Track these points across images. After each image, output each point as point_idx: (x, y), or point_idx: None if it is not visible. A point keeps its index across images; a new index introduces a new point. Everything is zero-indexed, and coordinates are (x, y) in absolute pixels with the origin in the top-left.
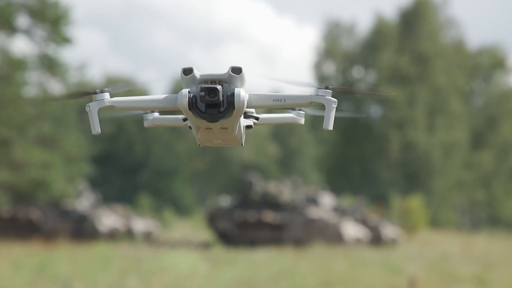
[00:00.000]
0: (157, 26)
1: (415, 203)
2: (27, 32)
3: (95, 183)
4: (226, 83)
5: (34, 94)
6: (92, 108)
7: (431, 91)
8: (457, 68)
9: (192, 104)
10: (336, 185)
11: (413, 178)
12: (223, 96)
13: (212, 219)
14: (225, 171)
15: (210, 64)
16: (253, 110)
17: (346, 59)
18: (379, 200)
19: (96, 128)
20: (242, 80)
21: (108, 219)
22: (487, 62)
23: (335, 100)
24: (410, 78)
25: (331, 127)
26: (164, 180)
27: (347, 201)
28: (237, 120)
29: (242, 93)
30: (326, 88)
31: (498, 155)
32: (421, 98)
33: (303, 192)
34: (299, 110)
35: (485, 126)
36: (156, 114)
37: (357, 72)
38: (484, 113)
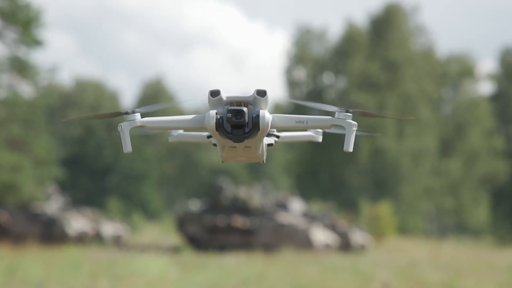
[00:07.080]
0: (127, 30)
1: (384, 209)
2: None
3: (64, 186)
4: (251, 104)
5: (3, 97)
6: (124, 128)
7: (400, 98)
8: (426, 76)
9: (219, 125)
10: (306, 190)
11: (382, 184)
12: (248, 117)
13: (182, 223)
14: (194, 176)
15: (181, 68)
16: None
17: (317, 65)
18: (348, 206)
19: (128, 147)
20: (267, 102)
21: (77, 222)
22: (456, 70)
23: (355, 123)
24: (380, 85)
25: (351, 149)
26: (133, 184)
27: (317, 207)
28: (261, 140)
29: (267, 115)
30: (347, 111)
31: (466, 162)
32: (391, 105)
33: (273, 198)
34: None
35: (454, 134)
36: (181, 131)
37: (327, 78)
38: (453, 120)
